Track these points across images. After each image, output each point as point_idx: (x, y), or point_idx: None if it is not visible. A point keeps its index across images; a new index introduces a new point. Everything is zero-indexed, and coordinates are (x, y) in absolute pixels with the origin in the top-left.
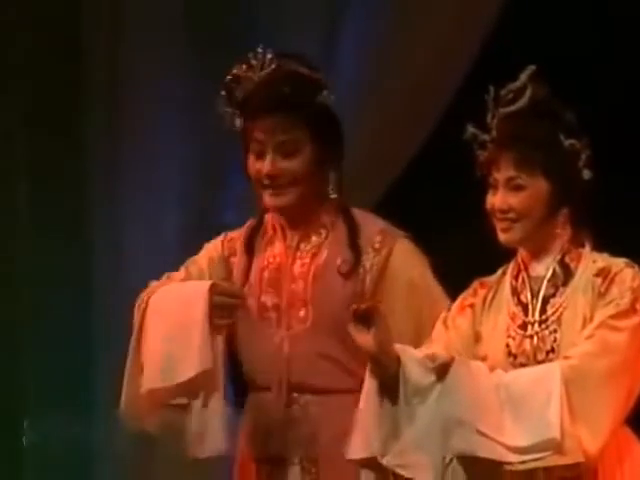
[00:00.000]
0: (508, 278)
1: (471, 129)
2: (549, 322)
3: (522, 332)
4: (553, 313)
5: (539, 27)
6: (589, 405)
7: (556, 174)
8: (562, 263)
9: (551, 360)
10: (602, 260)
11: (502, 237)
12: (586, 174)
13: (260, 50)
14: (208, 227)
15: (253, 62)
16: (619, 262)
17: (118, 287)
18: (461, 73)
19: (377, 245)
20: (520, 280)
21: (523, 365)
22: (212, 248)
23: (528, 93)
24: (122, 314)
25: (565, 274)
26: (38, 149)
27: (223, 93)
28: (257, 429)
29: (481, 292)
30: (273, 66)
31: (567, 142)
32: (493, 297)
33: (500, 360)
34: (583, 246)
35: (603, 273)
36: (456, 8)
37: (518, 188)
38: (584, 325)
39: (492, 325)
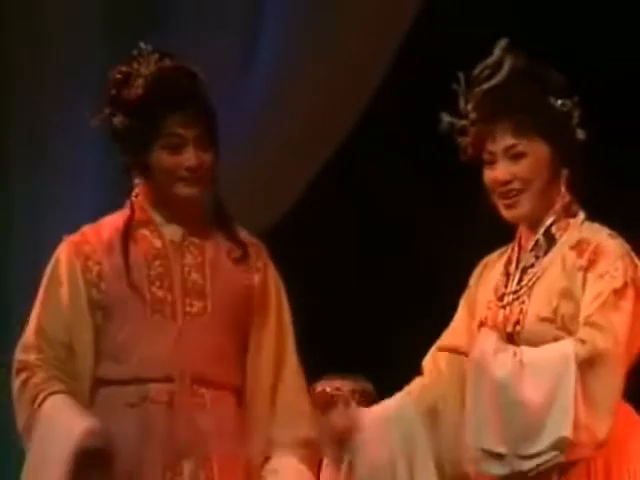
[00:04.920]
0: (509, 251)
1: (447, 118)
2: (521, 292)
3: (499, 303)
4: (526, 283)
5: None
6: (600, 390)
7: (554, 135)
8: (547, 233)
9: (518, 333)
10: (586, 231)
11: (508, 214)
12: (580, 133)
13: (143, 47)
14: None
15: (140, 59)
16: (601, 233)
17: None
18: (389, 56)
19: (255, 248)
20: (516, 250)
21: None
22: (57, 274)
23: (507, 65)
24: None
25: (548, 244)
26: None
27: (113, 92)
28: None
29: (477, 272)
30: (168, 62)
31: (558, 103)
32: (488, 272)
33: (476, 334)
34: (575, 216)
35: (580, 245)
36: None
37: (519, 156)
38: (550, 295)
39: (481, 298)
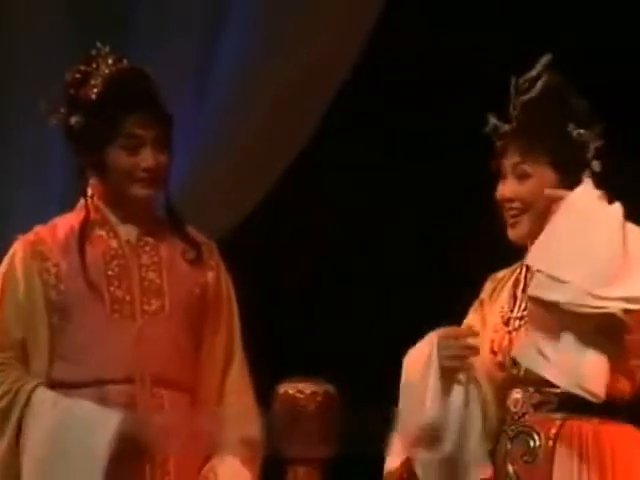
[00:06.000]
0: (517, 271)
1: (493, 120)
2: (525, 318)
3: (505, 328)
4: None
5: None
6: None
7: (563, 163)
8: None
9: None
10: None
11: (511, 233)
12: (595, 166)
13: (100, 47)
14: None
15: (98, 59)
16: None
17: None
18: (354, 55)
19: (207, 247)
20: (523, 273)
21: (501, 363)
22: (12, 277)
23: (541, 82)
24: None
25: None
26: None
27: (72, 92)
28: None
29: (490, 286)
30: (125, 63)
31: (575, 132)
32: (501, 289)
33: (485, 357)
34: None
35: None
36: None
37: (524, 176)
38: None
39: (490, 318)
